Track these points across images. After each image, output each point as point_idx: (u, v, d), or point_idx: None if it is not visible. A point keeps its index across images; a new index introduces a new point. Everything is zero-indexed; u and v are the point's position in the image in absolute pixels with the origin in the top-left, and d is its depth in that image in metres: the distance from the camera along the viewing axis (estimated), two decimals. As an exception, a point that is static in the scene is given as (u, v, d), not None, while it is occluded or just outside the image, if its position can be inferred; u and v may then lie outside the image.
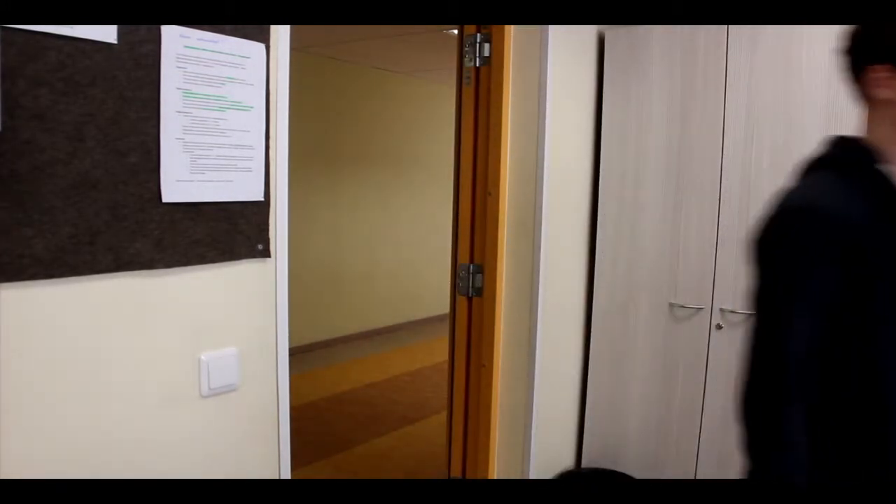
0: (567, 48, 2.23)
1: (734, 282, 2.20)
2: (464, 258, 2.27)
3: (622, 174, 2.41)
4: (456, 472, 2.32)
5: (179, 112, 1.17)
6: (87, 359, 1.09)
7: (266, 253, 1.36)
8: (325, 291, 5.36)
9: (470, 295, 2.27)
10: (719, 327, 2.23)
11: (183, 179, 1.19)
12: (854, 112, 1.94)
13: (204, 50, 1.19)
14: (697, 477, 2.28)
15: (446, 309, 2.48)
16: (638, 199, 2.38)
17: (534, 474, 2.26)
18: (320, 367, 4.90)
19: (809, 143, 2.04)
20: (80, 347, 1.08)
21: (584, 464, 2.55)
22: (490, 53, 2.17)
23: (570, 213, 2.39)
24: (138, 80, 1.11)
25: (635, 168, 2.37)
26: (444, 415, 2.44)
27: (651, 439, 2.40)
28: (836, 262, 0.90)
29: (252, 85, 1.28)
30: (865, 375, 0.93)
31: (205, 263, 1.25)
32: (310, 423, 3.70)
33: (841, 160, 1.04)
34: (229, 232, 1.28)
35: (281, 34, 1.32)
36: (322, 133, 5.09)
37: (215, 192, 1.24)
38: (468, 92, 2.23)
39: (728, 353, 2.22)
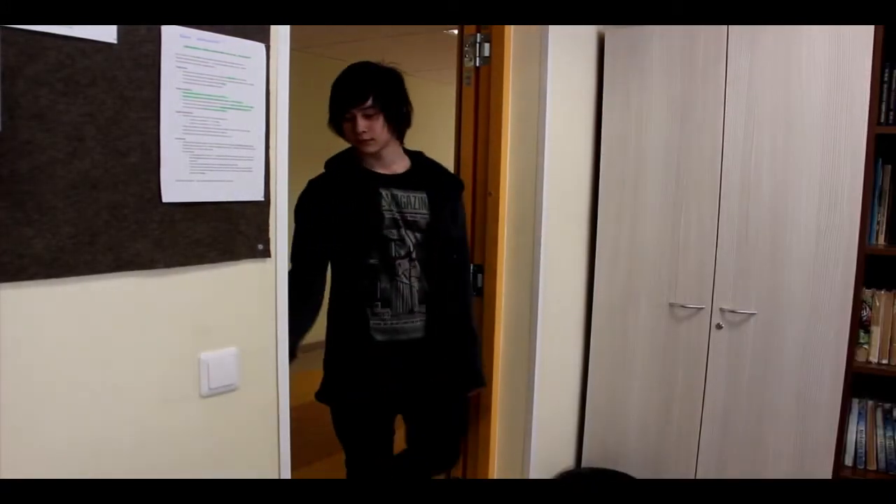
0: (567, 48, 2.23)
1: (734, 282, 2.20)
2: (464, 258, 2.26)
3: (622, 174, 2.41)
4: (456, 473, 2.32)
5: (179, 112, 1.17)
6: (86, 359, 1.09)
7: (266, 253, 1.36)
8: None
9: (470, 295, 2.26)
10: (719, 327, 2.23)
11: (183, 179, 1.19)
12: (853, 111, 1.95)
13: (204, 50, 1.19)
14: (697, 477, 2.28)
15: (446, 309, 2.47)
16: (638, 199, 2.38)
17: (534, 474, 2.26)
18: (320, 368, 4.88)
19: (809, 143, 2.06)
20: (79, 347, 1.08)
21: (584, 464, 2.55)
22: (490, 53, 2.17)
23: (570, 213, 2.39)
24: (138, 80, 1.11)
25: (635, 168, 2.37)
26: (444, 415, 2.43)
27: (651, 439, 2.40)
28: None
29: (252, 85, 1.28)
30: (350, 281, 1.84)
31: (205, 263, 1.25)
32: (310, 423, 3.68)
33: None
34: (229, 232, 1.28)
35: (281, 34, 1.32)
36: (322, 133, 5.08)
37: (215, 192, 1.24)
38: (468, 92, 2.23)
39: (728, 353, 2.22)
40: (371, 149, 1.76)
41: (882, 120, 1.99)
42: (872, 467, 2.08)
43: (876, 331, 2.05)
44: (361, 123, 1.71)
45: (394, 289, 1.80)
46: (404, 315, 1.82)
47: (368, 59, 1.81)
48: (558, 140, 2.22)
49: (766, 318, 2.15)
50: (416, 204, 1.82)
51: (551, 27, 2.11)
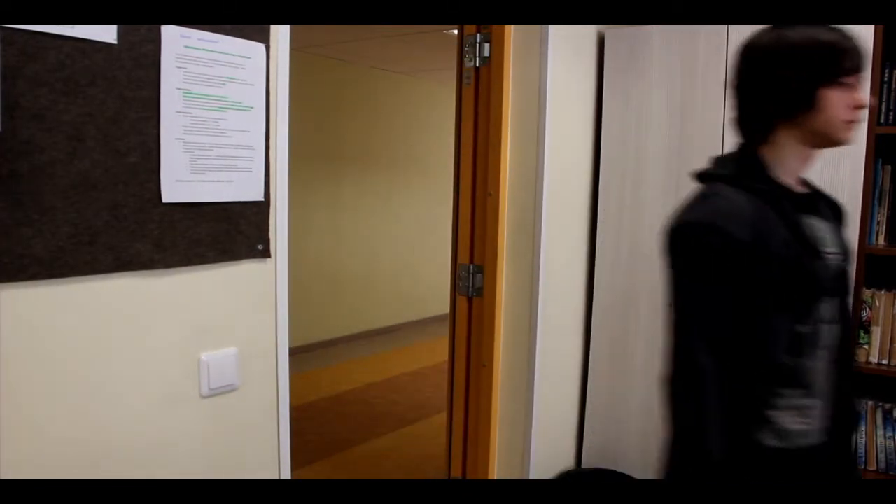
0: (567, 48, 2.23)
1: (734, 282, 2.19)
2: (464, 258, 2.27)
3: (622, 174, 2.41)
4: (456, 473, 2.32)
5: (179, 112, 1.17)
6: (87, 359, 1.09)
7: (266, 253, 1.36)
8: (325, 291, 5.36)
9: (470, 295, 2.27)
10: (719, 327, 2.22)
11: (183, 179, 1.19)
12: (854, 112, 1.95)
13: (204, 50, 1.19)
14: (697, 477, 2.27)
15: (446, 309, 2.48)
16: (638, 199, 2.38)
17: (534, 474, 2.26)
18: (320, 367, 4.90)
19: (809, 143, 2.04)
20: (80, 348, 1.08)
21: (584, 464, 2.55)
22: (490, 53, 2.17)
23: (570, 213, 2.39)
24: (138, 80, 1.11)
25: (635, 168, 2.37)
26: (444, 415, 2.44)
27: (651, 439, 2.40)
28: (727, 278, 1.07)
29: (252, 85, 1.28)
30: (759, 358, 1.10)
31: (205, 263, 1.25)
32: (310, 423, 3.70)
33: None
34: (229, 232, 1.28)
35: (281, 34, 1.32)
36: (322, 133, 5.09)
37: (215, 192, 1.24)
38: (468, 92, 2.23)
39: (728, 353, 2.22)
40: (852, 135, 1.15)
41: (882, 120, 1.98)
42: (872, 467, 2.08)
43: (876, 331, 2.05)
44: (866, 98, 1.15)
45: (815, 371, 1.14)
46: None
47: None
48: (558, 140, 2.22)
49: (766, 318, 2.15)
50: (831, 240, 1.17)
51: (551, 27, 2.11)
